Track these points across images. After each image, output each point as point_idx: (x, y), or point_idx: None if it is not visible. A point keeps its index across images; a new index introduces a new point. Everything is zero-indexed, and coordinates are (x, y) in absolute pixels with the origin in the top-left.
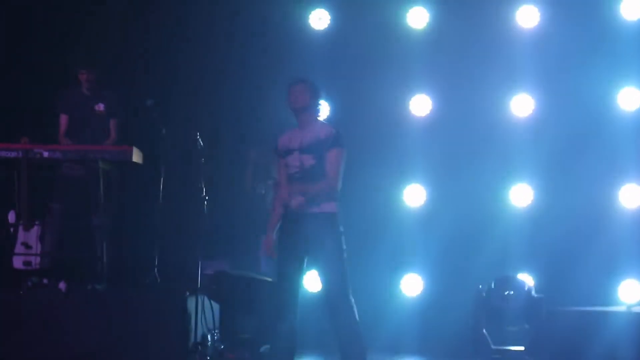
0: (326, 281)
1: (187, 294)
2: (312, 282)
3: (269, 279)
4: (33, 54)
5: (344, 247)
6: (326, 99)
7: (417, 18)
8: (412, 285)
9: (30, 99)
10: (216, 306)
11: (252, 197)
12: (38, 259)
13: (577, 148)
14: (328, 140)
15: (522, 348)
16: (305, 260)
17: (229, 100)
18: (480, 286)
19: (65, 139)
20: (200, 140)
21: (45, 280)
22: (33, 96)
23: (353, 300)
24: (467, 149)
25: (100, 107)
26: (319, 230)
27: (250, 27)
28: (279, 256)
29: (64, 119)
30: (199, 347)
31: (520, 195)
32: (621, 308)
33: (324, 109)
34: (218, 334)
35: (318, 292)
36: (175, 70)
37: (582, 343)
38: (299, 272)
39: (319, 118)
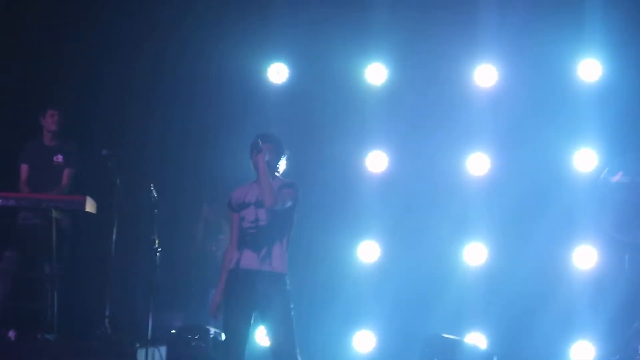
0: (275, 339)
1: (137, 346)
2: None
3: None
4: None
5: (292, 305)
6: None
7: (376, 74)
8: (364, 341)
9: None
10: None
11: (203, 253)
12: None
13: (532, 208)
14: (283, 186)
15: None
16: (253, 316)
17: (185, 152)
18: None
19: (25, 187)
20: (154, 191)
21: None
22: None
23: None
24: (423, 206)
25: (59, 158)
26: (270, 289)
27: (209, 80)
28: (228, 313)
29: (24, 169)
30: None
31: (475, 253)
32: None
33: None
34: None
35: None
36: (132, 120)
37: None
38: (247, 328)
39: (277, 174)
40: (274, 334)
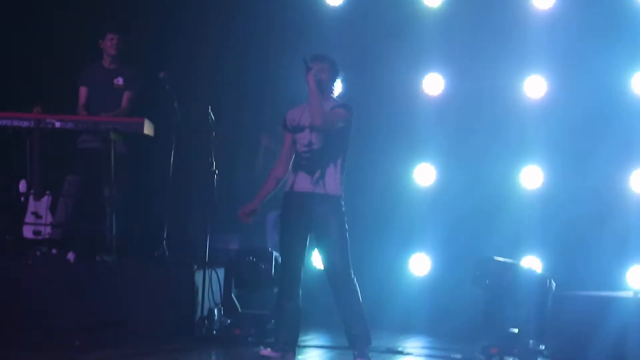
0: (330, 262)
1: (195, 267)
2: (317, 260)
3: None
4: (51, 24)
5: (347, 227)
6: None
7: None
8: (420, 264)
9: (46, 68)
10: (226, 280)
11: (262, 179)
12: (48, 229)
13: (589, 132)
14: (335, 106)
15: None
16: (308, 239)
17: (242, 78)
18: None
19: (83, 111)
20: (211, 114)
21: (54, 251)
22: (49, 66)
23: (355, 280)
24: (479, 130)
25: (119, 81)
26: (324, 211)
27: (265, 3)
28: (284, 235)
29: (83, 91)
30: (206, 321)
31: (531, 177)
32: (629, 293)
33: (339, 87)
34: (226, 309)
35: (322, 271)
36: (190, 43)
37: (590, 328)
38: (303, 250)
39: (332, 95)
40: (328, 256)
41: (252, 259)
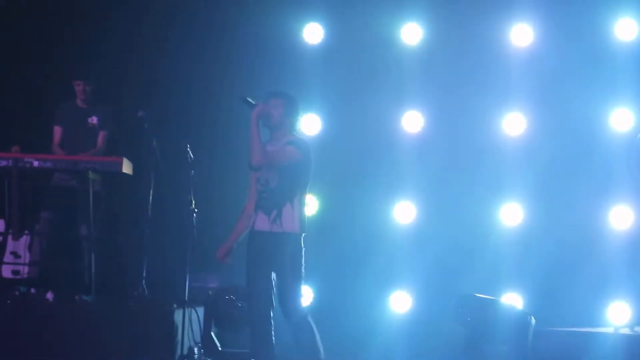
0: (283, 301)
1: (175, 306)
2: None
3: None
4: (29, 63)
5: (303, 264)
6: (318, 114)
7: (411, 34)
8: (400, 301)
9: (23, 109)
10: (205, 318)
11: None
12: (27, 269)
13: (568, 168)
14: (286, 144)
15: None
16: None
17: (220, 114)
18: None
19: (58, 150)
20: (190, 152)
21: (33, 290)
22: (26, 106)
23: (310, 319)
24: (459, 166)
25: (94, 120)
26: (280, 250)
27: (243, 41)
28: (248, 276)
29: (57, 131)
30: (187, 359)
31: (511, 214)
32: (609, 330)
33: (305, 126)
34: (205, 347)
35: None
36: (169, 82)
37: None
38: (268, 286)
39: (294, 133)
40: (281, 291)
41: (231, 297)
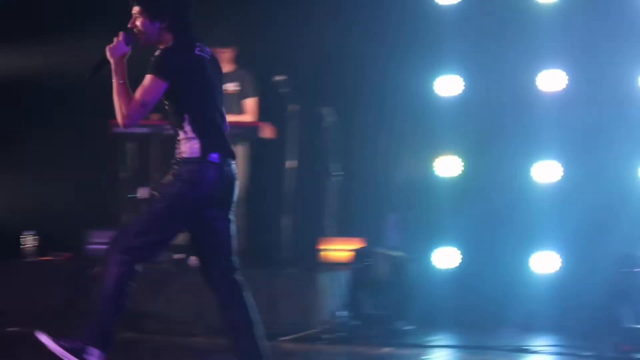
0: None
1: (321, 270)
2: (443, 258)
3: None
4: None
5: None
6: (458, 73)
7: None
8: (544, 262)
9: None
10: (349, 282)
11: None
12: None
13: None
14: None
15: None
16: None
17: (356, 77)
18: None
19: None
20: (329, 115)
21: (177, 255)
22: None
23: None
24: (600, 124)
25: (232, 85)
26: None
27: (378, 4)
28: None
29: None
30: (332, 323)
31: None
32: None
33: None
34: (351, 311)
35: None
36: (307, 44)
37: None
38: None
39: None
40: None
41: (371, 260)
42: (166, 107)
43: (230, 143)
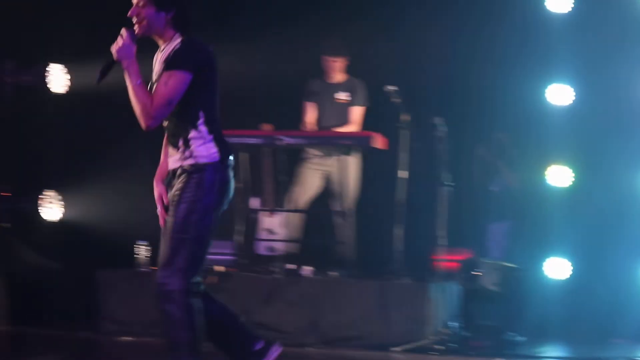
0: None
1: (432, 280)
2: (554, 269)
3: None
4: (277, 43)
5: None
6: (569, 83)
7: None
8: (557, 268)
9: (272, 87)
10: (460, 293)
11: (480, 192)
12: (282, 245)
13: None
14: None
15: None
16: None
17: (468, 85)
18: None
19: (309, 126)
20: (442, 125)
21: (290, 266)
22: (275, 83)
23: None
24: None
25: (343, 95)
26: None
27: (488, 10)
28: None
29: (308, 107)
30: (443, 334)
31: None
32: None
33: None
34: (462, 322)
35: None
36: (415, 55)
37: None
38: None
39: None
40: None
41: (482, 270)
42: (176, 105)
43: (342, 153)
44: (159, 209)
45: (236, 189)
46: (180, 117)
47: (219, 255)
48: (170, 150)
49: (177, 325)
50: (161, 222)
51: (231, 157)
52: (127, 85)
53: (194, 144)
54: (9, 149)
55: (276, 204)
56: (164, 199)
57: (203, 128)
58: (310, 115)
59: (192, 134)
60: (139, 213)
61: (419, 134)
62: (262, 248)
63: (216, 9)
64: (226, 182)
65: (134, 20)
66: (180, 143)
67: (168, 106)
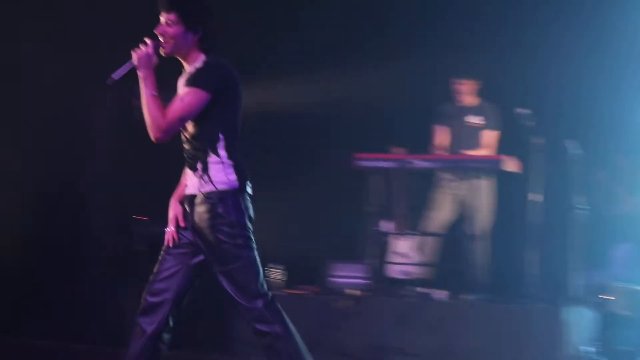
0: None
1: (566, 304)
2: None
3: None
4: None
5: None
6: None
7: None
8: None
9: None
10: (596, 318)
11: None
12: (415, 269)
13: None
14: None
15: None
16: None
17: (600, 108)
18: None
19: (439, 150)
20: (575, 148)
21: (423, 290)
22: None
23: None
24: None
25: (475, 119)
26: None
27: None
28: None
29: (437, 131)
30: (579, 358)
31: None
32: None
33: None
34: (599, 346)
35: None
36: (550, 79)
37: None
38: None
39: (205, 55)
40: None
41: (614, 294)
42: (195, 126)
43: (474, 176)
44: (171, 229)
45: (368, 212)
46: (199, 138)
47: (353, 279)
48: (189, 173)
49: (283, 338)
50: (169, 242)
51: (249, 184)
52: (141, 95)
53: (212, 169)
54: (146, 173)
55: (408, 227)
56: (179, 220)
57: (223, 153)
58: (440, 138)
59: (212, 158)
60: (272, 235)
61: (552, 157)
62: (395, 272)
63: (350, 31)
64: (246, 209)
65: (161, 38)
66: (199, 166)
67: (180, 122)
